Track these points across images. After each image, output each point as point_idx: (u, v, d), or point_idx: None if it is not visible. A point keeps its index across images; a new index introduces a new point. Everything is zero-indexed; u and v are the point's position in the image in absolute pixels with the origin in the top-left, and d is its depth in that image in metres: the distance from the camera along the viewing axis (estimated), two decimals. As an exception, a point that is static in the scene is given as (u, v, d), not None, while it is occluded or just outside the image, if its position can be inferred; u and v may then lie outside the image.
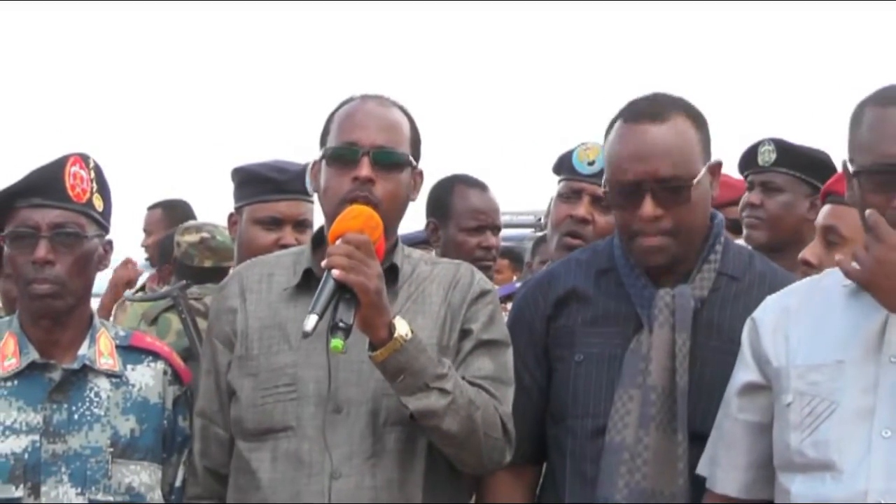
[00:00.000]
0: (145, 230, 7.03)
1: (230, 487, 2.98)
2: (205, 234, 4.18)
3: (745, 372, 2.75)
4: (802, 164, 4.37)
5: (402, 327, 2.73)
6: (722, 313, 2.93)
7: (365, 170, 2.88)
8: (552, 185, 4.05)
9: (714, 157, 2.97)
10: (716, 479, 2.79)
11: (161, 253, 5.44)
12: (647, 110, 2.90)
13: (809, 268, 3.51)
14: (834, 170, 4.33)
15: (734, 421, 2.76)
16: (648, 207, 2.85)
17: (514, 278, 7.39)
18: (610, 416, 2.88)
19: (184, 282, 3.94)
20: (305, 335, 2.63)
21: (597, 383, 2.95)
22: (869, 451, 2.50)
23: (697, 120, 2.94)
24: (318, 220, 3.85)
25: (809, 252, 3.57)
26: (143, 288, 4.30)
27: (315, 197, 3.78)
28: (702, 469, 2.83)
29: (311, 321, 2.62)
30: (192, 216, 6.85)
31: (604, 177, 2.97)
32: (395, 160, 2.94)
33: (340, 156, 2.93)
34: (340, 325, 2.64)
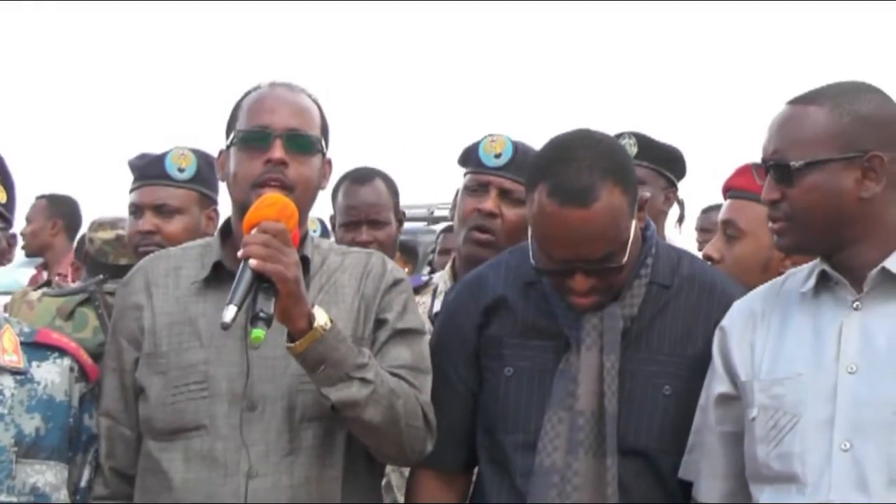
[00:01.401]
0: (27, 218, 7.09)
1: (137, 488, 2.90)
2: (120, 231, 4.11)
3: (718, 383, 2.77)
4: (661, 157, 4.53)
5: (321, 317, 2.69)
6: (651, 325, 2.90)
7: (278, 152, 2.83)
8: (445, 177, 4.03)
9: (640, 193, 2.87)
10: (699, 489, 2.82)
11: (77, 249, 5.36)
12: (574, 189, 2.73)
13: (713, 262, 3.56)
14: (685, 165, 4.60)
15: (711, 431, 2.78)
16: (580, 283, 2.80)
17: (406, 270, 7.36)
18: (540, 438, 2.85)
19: (101, 276, 3.86)
20: (225, 327, 2.57)
21: (527, 400, 2.91)
22: (829, 463, 2.53)
23: (624, 178, 2.80)
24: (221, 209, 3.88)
25: (711, 247, 3.62)
26: (47, 283, 4.17)
27: (183, 180, 3.87)
28: (685, 474, 2.84)
29: (230, 312, 2.56)
30: (76, 211, 7.11)
31: (530, 245, 2.87)
32: (308, 143, 2.89)
33: (252, 139, 2.87)
34: (261, 315, 2.59)
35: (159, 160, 3.90)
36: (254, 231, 2.67)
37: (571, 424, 2.83)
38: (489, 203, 3.77)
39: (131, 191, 3.94)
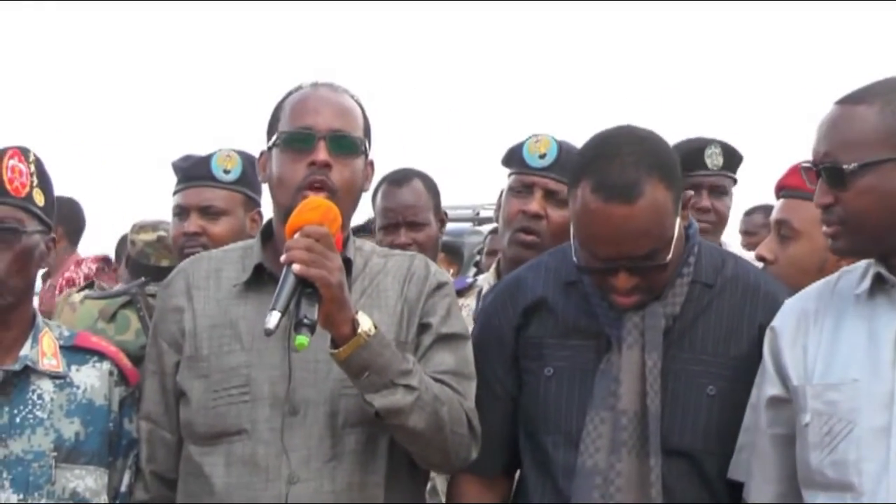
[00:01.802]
0: None
1: (179, 492, 2.88)
2: (161, 233, 4.10)
3: (769, 385, 2.71)
4: (738, 165, 4.55)
5: (365, 322, 2.65)
6: (694, 324, 2.85)
7: (322, 154, 2.79)
8: (491, 177, 3.98)
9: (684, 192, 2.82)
10: (749, 490, 2.77)
11: (116, 252, 5.36)
12: (619, 185, 2.67)
13: (766, 263, 3.49)
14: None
15: (762, 433, 2.73)
16: (623, 281, 2.75)
17: (451, 272, 7.32)
18: (582, 439, 2.81)
19: (143, 279, 3.85)
20: (268, 333, 2.52)
21: (568, 400, 2.86)
22: (887, 471, 2.46)
23: (669, 175, 2.74)
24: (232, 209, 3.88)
25: (765, 248, 3.54)
26: (90, 286, 4.15)
27: (229, 182, 3.86)
28: (734, 474, 2.80)
29: (273, 318, 2.52)
30: (77, 213, 7.03)
31: (572, 243, 2.83)
32: (352, 145, 2.85)
33: (295, 141, 2.83)
34: (305, 321, 2.54)
35: (205, 161, 3.88)
36: (297, 235, 2.63)
37: (614, 424, 2.79)
38: (534, 204, 3.72)
39: (175, 192, 3.93)
